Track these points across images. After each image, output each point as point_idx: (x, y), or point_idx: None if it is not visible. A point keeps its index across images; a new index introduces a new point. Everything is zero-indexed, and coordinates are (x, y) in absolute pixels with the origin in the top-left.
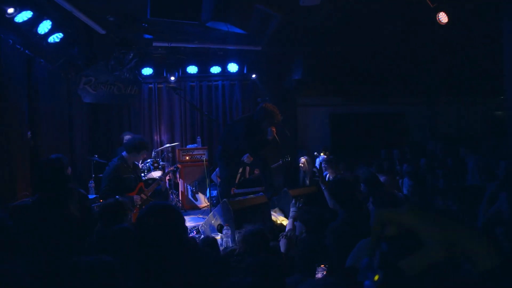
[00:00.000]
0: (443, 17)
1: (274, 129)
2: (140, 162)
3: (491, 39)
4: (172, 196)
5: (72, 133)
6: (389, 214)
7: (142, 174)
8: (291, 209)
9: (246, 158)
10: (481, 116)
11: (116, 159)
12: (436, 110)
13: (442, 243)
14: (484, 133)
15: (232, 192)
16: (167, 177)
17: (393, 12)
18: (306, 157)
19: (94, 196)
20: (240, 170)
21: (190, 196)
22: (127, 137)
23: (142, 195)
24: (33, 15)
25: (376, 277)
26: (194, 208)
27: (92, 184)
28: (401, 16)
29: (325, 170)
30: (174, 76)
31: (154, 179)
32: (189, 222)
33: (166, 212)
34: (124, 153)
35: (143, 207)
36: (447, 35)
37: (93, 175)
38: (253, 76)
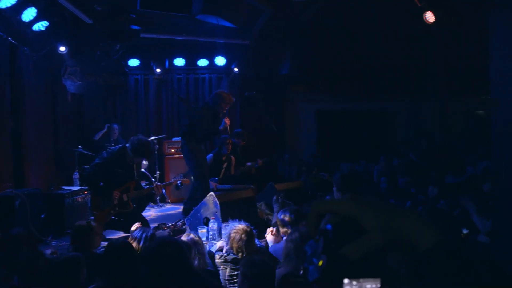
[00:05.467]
0: (430, 17)
1: (228, 121)
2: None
3: (477, 39)
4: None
5: (56, 123)
6: (327, 205)
7: None
8: (274, 205)
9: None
10: (463, 115)
11: (117, 147)
12: (421, 108)
13: (383, 228)
14: (464, 132)
15: (214, 188)
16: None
17: (381, 11)
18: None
19: (79, 188)
20: (225, 165)
21: (175, 189)
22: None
23: (124, 196)
24: (17, 1)
25: (320, 263)
26: (179, 201)
27: (76, 175)
28: (389, 14)
29: None
30: (161, 68)
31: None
32: (175, 215)
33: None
34: (128, 145)
35: (116, 208)
36: (434, 33)
37: (77, 167)
38: (235, 69)
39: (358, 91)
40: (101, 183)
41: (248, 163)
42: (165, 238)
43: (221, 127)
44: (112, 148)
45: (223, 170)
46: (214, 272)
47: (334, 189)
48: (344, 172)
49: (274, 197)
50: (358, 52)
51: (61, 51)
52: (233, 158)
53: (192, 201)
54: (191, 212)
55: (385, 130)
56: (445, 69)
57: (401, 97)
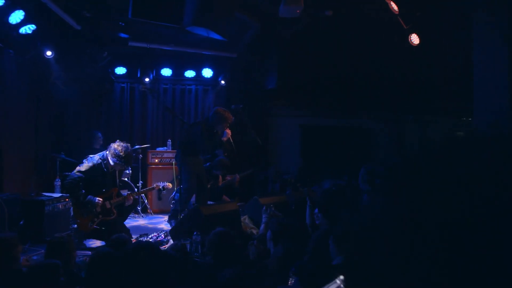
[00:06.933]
0: (415, 39)
1: (229, 132)
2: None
3: (460, 60)
4: (140, 204)
5: (38, 128)
6: None
7: None
8: (263, 215)
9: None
10: (442, 136)
11: (99, 156)
12: (402, 128)
13: None
14: None
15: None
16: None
17: (366, 29)
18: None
19: (60, 195)
20: (211, 182)
21: (157, 198)
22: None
23: (107, 203)
24: (4, 3)
25: None
26: (161, 212)
27: (58, 182)
28: (374, 34)
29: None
30: (149, 78)
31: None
32: (157, 225)
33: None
34: (108, 152)
35: (100, 216)
36: (417, 53)
37: (58, 173)
38: (222, 82)
39: (341, 108)
40: (83, 191)
41: (228, 177)
42: (142, 242)
43: (223, 137)
44: (92, 156)
45: (209, 186)
46: None
47: (316, 210)
48: (326, 192)
49: (264, 207)
50: (342, 70)
51: (48, 56)
52: (220, 176)
53: None
54: (174, 224)
55: (367, 148)
56: (427, 89)
57: (383, 116)
